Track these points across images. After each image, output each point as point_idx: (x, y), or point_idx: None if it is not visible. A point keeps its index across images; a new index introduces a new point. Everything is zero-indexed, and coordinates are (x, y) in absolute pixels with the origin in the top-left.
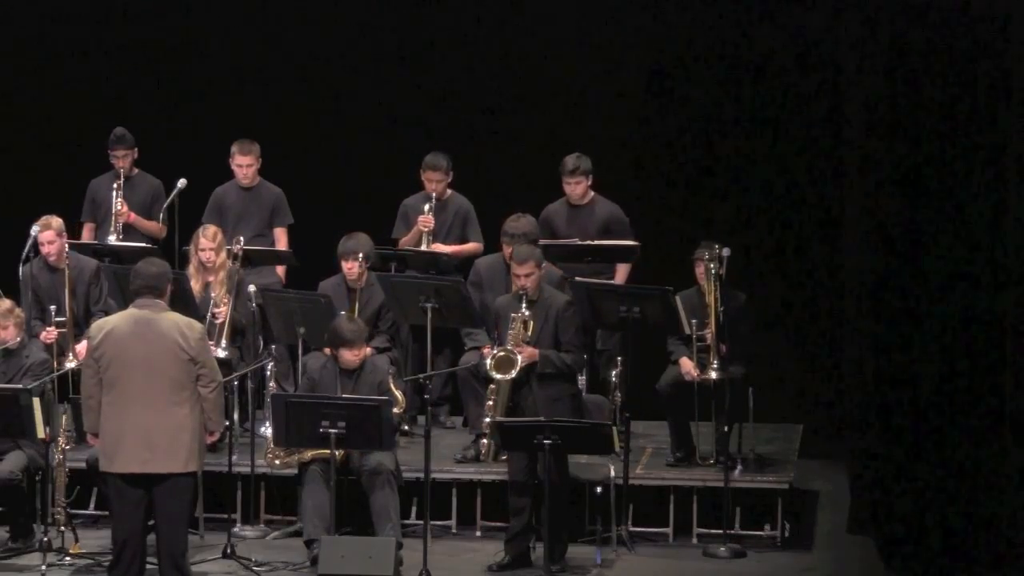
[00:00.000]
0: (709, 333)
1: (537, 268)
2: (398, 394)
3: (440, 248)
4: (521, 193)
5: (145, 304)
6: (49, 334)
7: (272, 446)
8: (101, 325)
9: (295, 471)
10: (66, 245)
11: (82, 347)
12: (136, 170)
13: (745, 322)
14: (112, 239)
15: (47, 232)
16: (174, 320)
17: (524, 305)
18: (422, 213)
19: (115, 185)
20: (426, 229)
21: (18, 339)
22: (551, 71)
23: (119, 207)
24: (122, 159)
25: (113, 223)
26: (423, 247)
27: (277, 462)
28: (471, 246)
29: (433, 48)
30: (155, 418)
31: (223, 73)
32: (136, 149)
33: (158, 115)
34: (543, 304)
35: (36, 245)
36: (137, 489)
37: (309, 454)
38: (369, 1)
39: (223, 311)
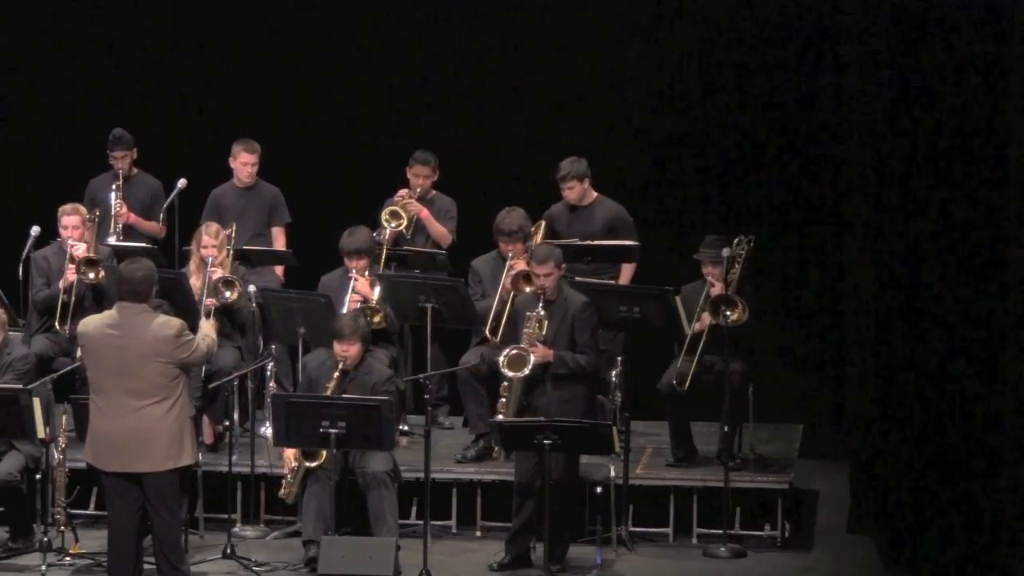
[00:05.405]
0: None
1: (556, 268)
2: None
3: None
4: (522, 194)
5: (125, 308)
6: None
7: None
8: (86, 323)
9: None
10: (87, 234)
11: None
12: (136, 170)
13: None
14: (112, 240)
15: (74, 217)
16: (149, 325)
17: (540, 304)
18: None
19: (114, 186)
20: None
21: (0, 337)
22: (552, 69)
23: (119, 208)
24: (121, 160)
25: (113, 224)
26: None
27: (287, 492)
28: (442, 230)
29: (433, 47)
30: (128, 421)
31: (223, 73)
32: (135, 149)
33: (158, 115)
34: (561, 305)
35: (36, 244)
36: (129, 487)
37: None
38: (369, 1)
39: (218, 270)
